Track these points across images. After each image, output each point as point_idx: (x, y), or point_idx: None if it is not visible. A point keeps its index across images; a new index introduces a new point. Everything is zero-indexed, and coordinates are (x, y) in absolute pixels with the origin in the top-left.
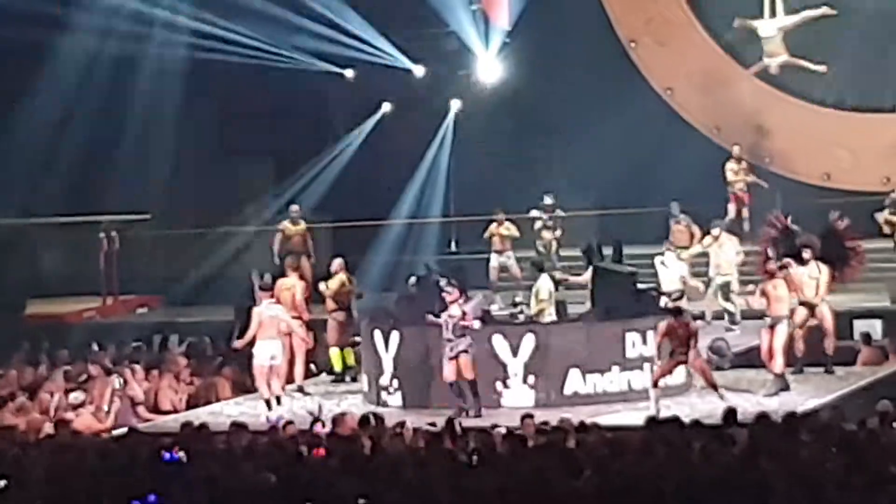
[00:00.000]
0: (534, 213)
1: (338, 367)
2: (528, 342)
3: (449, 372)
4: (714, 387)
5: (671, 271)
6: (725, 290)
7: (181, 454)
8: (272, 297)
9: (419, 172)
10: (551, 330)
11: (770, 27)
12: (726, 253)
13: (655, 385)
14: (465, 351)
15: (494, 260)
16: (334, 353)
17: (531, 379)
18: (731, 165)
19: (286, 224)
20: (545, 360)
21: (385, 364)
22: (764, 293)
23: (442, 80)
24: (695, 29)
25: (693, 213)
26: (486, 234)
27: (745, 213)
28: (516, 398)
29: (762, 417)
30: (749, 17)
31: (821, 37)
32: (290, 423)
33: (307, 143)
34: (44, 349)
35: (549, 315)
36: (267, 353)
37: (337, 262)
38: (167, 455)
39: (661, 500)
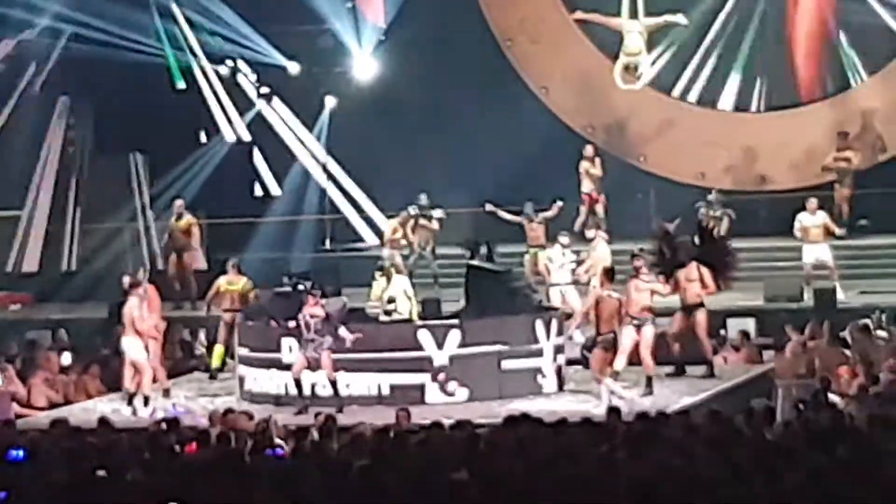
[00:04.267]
0: (411, 209)
1: (217, 364)
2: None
3: (299, 368)
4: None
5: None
6: None
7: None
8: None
9: (294, 169)
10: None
11: (632, 25)
12: (600, 254)
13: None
14: (328, 349)
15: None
16: (219, 350)
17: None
18: (584, 165)
19: (172, 221)
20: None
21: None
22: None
23: (316, 77)
24: (569, 27)
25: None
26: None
27: (600, 211)
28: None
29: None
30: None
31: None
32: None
33: (180, 140)
34: None
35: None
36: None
37: (231, 262)
38: (12, 454)
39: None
